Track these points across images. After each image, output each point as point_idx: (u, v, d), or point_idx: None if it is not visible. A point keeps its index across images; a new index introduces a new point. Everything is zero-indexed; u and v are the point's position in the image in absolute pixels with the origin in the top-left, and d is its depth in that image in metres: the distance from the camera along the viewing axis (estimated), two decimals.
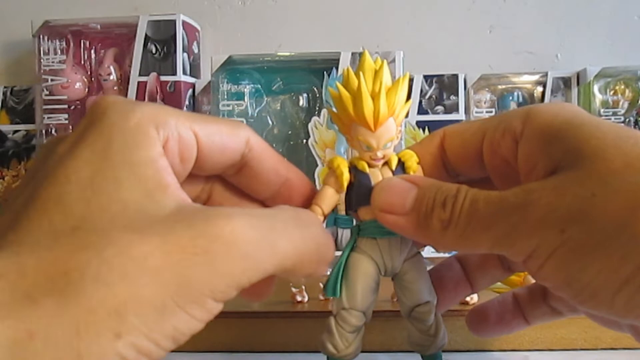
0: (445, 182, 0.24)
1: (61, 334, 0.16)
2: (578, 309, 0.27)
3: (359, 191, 0.26)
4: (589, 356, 0.35)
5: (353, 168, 0.26)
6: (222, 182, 0.26)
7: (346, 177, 0.26)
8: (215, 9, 0.71)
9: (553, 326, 0.35)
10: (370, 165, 0.26)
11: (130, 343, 0.17)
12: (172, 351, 0.38)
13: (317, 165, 0.63)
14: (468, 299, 0.36)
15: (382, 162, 0.26)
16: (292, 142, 0.63)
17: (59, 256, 0.17)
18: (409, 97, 0.26)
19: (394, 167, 0.26)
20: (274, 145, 0.63)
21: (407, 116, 0.33)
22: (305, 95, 0.63)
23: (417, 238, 0.24)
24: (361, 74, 0.25)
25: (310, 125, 0.63)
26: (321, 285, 0.40)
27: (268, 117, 0.63)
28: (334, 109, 0.26)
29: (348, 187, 0.26)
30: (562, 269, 0.20)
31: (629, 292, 0.18)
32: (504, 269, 0.29)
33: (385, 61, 0.26)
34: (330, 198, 0.26)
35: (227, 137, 0.24)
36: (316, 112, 0.63)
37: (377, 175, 0.26)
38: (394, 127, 0.25)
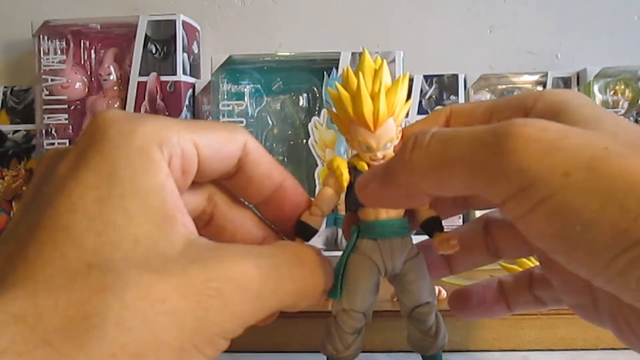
0: None
1: None
2: (561, 300, 0.27)
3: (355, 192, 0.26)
4: (589, 356, 0.35)
5: (353, 169, 0.26)
6: (220, 188, 0.26)
7: (346, 177, 0.26)
8: (215, 9, 0.71)
9: (553, 326, 0.35)
10: (369, 166, 0.26)
11: None
12: None
13: (317, 165, 0.63)
14: (437, 294, 0.37)
15: (382, 162, 0.26)
16: (292, 142, 0.63)
17: (78, 298, 0.17)
18: (409, 97, 0.26)
19: None
20: (274, 145, 0.63)
21: (407, 116, 0.33)
22: (305, 95, 0.63)
23: (386, 189, 0.22)
24: (360, 73, 0.25)
25: (310, 125, 0.63)
26: None
27: (268, 117, 0.63)
28: (334, 109, 0.26)
29: (348, 187, 0.26)
30: (557, 218, 0.17)
31: (630, 257, 0.16)
32: (490, 253, 0.29)
33: (385, 61, 0.25)
34: (330, 199, 0.26)
35: (225, 143, 0.24)
36: (316, 112, 0.63)
37: None
38: (394, 127, 0.25)
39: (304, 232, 0.26)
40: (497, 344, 0.36)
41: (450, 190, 0.20)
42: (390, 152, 0.26)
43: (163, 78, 0.63)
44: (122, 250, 0.18)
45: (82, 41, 0.65)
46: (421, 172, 0.20)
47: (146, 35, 0.63)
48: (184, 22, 0.64)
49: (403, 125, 0.26)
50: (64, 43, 0.65)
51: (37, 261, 0.18)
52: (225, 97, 0.62)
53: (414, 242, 0.27)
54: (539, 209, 0.17)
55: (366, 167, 0.26)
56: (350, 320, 0.26)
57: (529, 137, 0.18)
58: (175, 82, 0.63)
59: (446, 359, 0.35)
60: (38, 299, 0.16)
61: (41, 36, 0.64)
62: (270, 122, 0.63)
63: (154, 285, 0.18)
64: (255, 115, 0.63)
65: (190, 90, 0.66)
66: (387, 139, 0.25)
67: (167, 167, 0.21)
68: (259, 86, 0.62)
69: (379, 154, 0.25)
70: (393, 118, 0.25)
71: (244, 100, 0.62)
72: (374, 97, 0.24)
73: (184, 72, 0.64)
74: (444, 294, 0.38)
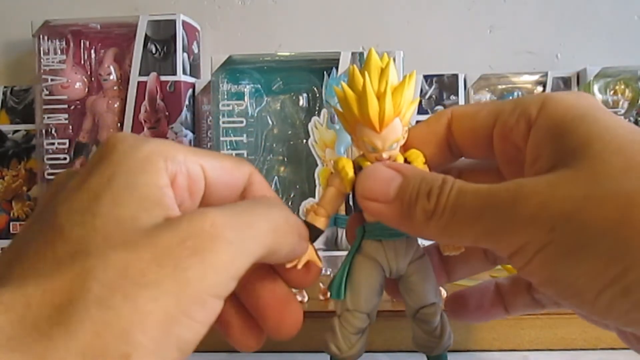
0: (431, 172, 0.24)
1: None
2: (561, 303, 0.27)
3: None
4: (589, 356, 0.35)
5: (358, 169, 0.26)
6: None
7: (351, 178, 0.25)
8: (215, 9, 0.71)
9: (553, 326, 0.35)
10: None
11: None
12: None
13: (317, 165, 0.62)
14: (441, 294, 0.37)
15: (387, 162, 0.26)
16: (292, 142, 0.63)
17: (62, 285, 0.17)
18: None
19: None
20: (274, 145, 0.63)
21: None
22: (305, 95, 0.63)
23: (400, 227, 0.24)
24: (366, 73, 0.24)
25: (310, 125, 0.63)
26: (321, 286, 0.40)
27: (268, 117, 0.63)
28: (340, 108, 0.26)
29: (353, 188, 0.26)
30: (548, 267, 0.20)
31: (611, 294, 0.18)
32: (488, 261, 0.29)
33: (391, 59, 0.25)
34: (335, 200, 0.26)
35: (231, 170, 0.24)
36: (316, 112, 0.63)
37: None
38: (400, 127, 0.25)
39: (310, 232, 0.25)
40: (497, 344, 0.36)
41: (456, 244, 0.23)
42: (396, 152, 0.25)
43: (163, 78, 0.63)
44: (103, 234, 0.18)
45: (82, 41, 0.65)
46: (433, 236, 0.23)
47: (146, 35, 0.63)
48: (184, 22, 0.64)
49: (412, 123, 0.26)
50: (64, 43, 0.65)
51: (30, 260, 0.18)
52: (225, 97, 0.62)
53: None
54: (533, 262, 0.20)
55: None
56: (354, 320, 0.26)
57: (529, 201, 0.20)
58: (175, 82, 0.63)
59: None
60: (27, 289, 0.17)
61: (41, 36, 0.64)
62: (270, 122, 0.63)
63: (132, 260, 0.18)
64: (255, 115, 0.63)
65: (190, 90, 0.66)
66: (393, 139, 0.25)
67: (168, 179, 0.21)
68: (259, 86, 0.62)
69: (385, 155, 0.25)
70: (399, 118, 0.25)
71: (244, 100, 0.62)
72: (380, 97, 0.24)
73: (184, 72, 0.64)
74: (443, 293, 0.38)
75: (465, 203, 0.21)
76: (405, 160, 0.26)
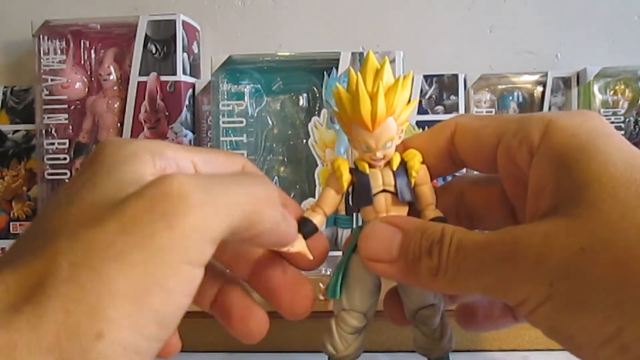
0: (430, 224, 0.24)
1: (44, 340, 0.16)
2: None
3: (359, 192, 0.26)
4: None
5: (354, 169, 0.26)
6: None
7: (346, 178, 0.26)
8: (215, 9, 0.71)
9: None
10: (371, 166, 0.26)
11: (114, 340, 0.16)
12: None
13: (317, 165, 0.62)
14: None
15: (383, 162, 0.26)
16: (292, 142, 0.63)
17: (35, 267, 0.17)
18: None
19: (395, 168, 0.26)
20: (274, 145, 0.63)
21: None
22: (305, 95, 0.63)
23: (409, 284, 0.25)
24: (359, 74, 0.25)
25: (310, 125, 0.63)
26: (321, 286, 0.40)
27: (268, 117, 0.63)
28: (336, 109, 0.26)
29: (350, 187, 0.26)
30: (550, 320, 0.20)
31: (611, 351, 0.19)
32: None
33: (387, 59, 0.25)
34: (332, 199, 0.26)
35: (223, 163, 0.24)
36: (316, 112, 0.63)
37: (377, 177, 0.26)
38: (395, 126, 0.25)
39: (305, 226, 0.26)
40: (497, 344, 0.36)
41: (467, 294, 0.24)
42: (391, 151, 0.25)
43: (163, 78, 0.63)
44: (76, 217, 0.18)
45: (82, 41, 0.65)
46: (443, 290, 0.24)
47: (146, 35, 0.63)
48: (184, 22, 0.64)
49: (413, 123, 0.26)
50: (64, 43, 0.65)
51: (12, 252, 0.19)
52: (225, 97, 0.62)
53: None
54: (536, 313, 0.21)
55: (367, 167, 0.26)
56: (350, 319, 0.26)
57: (526, 257, 0.20)
58: (175, 82, 0.63)
59: None
60: (7, 276, 0.17)
61: (41, 36, 0.64)
62: (270, 122, 0.63)
63: (99, 234, 0.17)
64: (255, 115, 0.63)
65: (190, 90, 0.66)
66: (386, 138, 0.25)
67: (154, 169, 0.21)
68: (259, 86, 0.62)
69: (379, 154, 0.25)
70: (393, 117, 0.25)
71: (244, 100, 0.62)
72: (373, 96, 0.24)
73: (184, 72, 0.64)
74: None
75: (466, 258, 0.22)
76: (402, 160, 0.26)
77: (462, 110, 0.64)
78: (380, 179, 0.26)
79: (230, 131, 0.61)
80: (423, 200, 0.26)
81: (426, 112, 0.63)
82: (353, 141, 0.26)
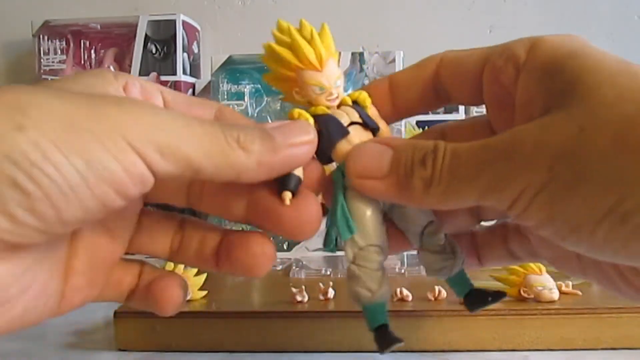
0: (420, 140, 0.23)
1: None
2: (538, 254, 0.27)
3: (330, 130, 0.25)
4: (589, 356, 0.35)
5: (315, 116, 0.26)
6: None
7: (312, 122, 0.25)
8: (215, 9, 0.71)
9: (553, 326, 0.35)
10: (329, 108, 0.26)
11: (34, 141, 0.16)
12: (172, 351, 0.38)
13: None
14: (436, 293, 0.37)
15: (337, 102, 0.26)
16: None
17: None
18: None
19: (350, 103, 0.26)
20: None
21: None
22: None
23: (400, 200, 0.23)
24: (289, 26, 0.26)
25: None
26: (321, 285, 0.40)
27: (268, 117, 0.63)
28: (270, 74, 0.26)
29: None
30: (547, 207, 0.19)
31: (609, 224, 0.18)
32: (473, 218, 0.28)
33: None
34: None
35: (196, 107, 0.24)
36: None
37: (340, 114, 0.26)
38: (337, 66, 0.26)
39: (291, 181, 0.24)
40: (497, 344, 0.36)
41: (462, 207, 0.22)
42: (341, 90, 0.26)
43: (163, 78, 0.63)
44: (38, 104, 0.18)
45: (82, 41, 0.65)
46: (435, 203, 0.22)
47: (146, 35, 0.63)
48: (184, 22, 0.64)
49: (403, 126, 0.26)
50: (64, 43, 0.65)
51: None
52: (225, 97, 0.62)
53: None
54: (532, 205, 0.20)
55: (327, 110, 0.26)
56: (371, 255, 0.24)
57: (525, 142, 0.20)
58: (175, 82, 0.63)
59: (446, 359, 0.35)
60: None
61: (41, 36, 0.64)
62: (270, 122, 0.63)
63: (63, 96, 0.18)
64: (255, 115, 0.63)
65: (190, 90, 0.66)
66: (335, 76, 0.25)
67: (117, 84, 0.22)
68: (259, 86, 0.63)
69: (334, 92, 0.25)
70: (333, 59, 0.25)
71: (244, 100, 0.62)
72: (310, 41, 0.25)
73: (184, 72, 0.64)
74: (444, 293, 0.38)
75: (461, 163, 0.21)
76: (354, 102, 0.26)
77: (462, 110, 0.63)
78: (344, 115, 0.26)
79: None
80: (385, 134, 0.26)
81: (426, 112, 0.63)
82: (302, 90, 0.26)
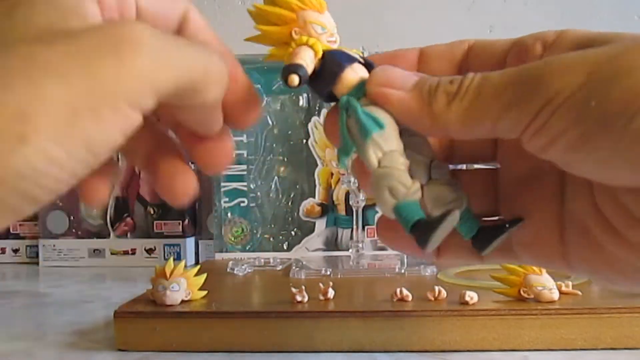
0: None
1: None
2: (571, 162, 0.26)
3: (336, 59, 0.25)
4: (589, 356, 0.35)
5: (323, 52, 0.26)
6: None
7: (318, 48, 0.26)
8: (215, 8, 0.71)
9: (553, 326, 0.35)
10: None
11: (39, 149, 0.16)
12: (172, 351, 0.38)
13: (317, 165, 0.62)
14: (468, 298, 0.37)
15: (336, 46, 0.27)
16: (292, 142, 0.63)
17: None
18: None
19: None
20: (274, 145, 0.63)
21: None
22: (305, 95, 0.63)
23: (417, 117, 0.23)
24: None
25: (310, 125, 0.63)
26: (321, 286, 0.40)
27: (268, 117, 0.63)
28: (262, 30, 0.27)
29: (312, 76, 0.25)
30: (579, 107, 0.19)
31: None
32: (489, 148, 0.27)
33: None
34: (311, 58, 0.25)
35: (166, 3, 0.24)
36: (316, 112, 0.63)
37: (343, 49, 0.27)
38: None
39: (300, 70, 0.24)
40: (497, 344, 0.36)
41: (476, 135, 0.22)
42: (338, 39, 0.26)
43: None
44: (20, 31, 0.18)
45: None
46: (453, 122, 0.22)
47: None
48: None
49: None
50: None
51: None
52: None
53: None
54: (562, 108, 0.19)
55: (329, 46, 0.26)
56: (396, 156, 0.23)
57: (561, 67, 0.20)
58: None
59: (445, 359, 0.35)
60: None
61: None
62: (270, 122, 0.63)
63: (42, 51, 0.17)
64: None
65: None
66: (333, 24, 0.27)
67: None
68: (259, 86, 0.62)
69: (335, 35, 0.26)
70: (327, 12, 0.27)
71: None
72: None
73: None
74: (444, 293, 0.38)
75: (489, 83, 0.21)
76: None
77: None
78: (349, 51, 0.27)
79: (230, 131, 0.61)
80: None
81: None
82: (304, 28, 0.26)
